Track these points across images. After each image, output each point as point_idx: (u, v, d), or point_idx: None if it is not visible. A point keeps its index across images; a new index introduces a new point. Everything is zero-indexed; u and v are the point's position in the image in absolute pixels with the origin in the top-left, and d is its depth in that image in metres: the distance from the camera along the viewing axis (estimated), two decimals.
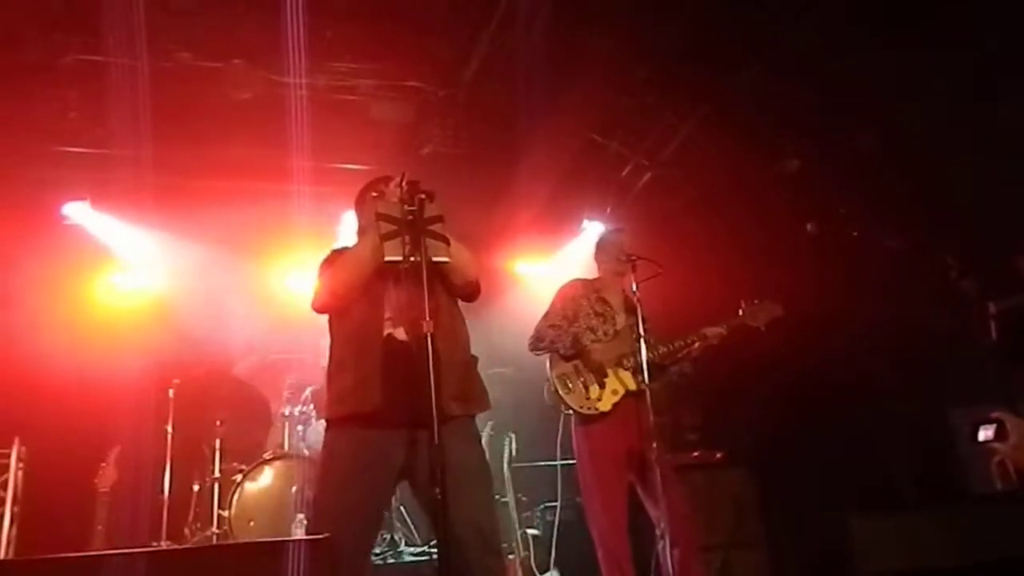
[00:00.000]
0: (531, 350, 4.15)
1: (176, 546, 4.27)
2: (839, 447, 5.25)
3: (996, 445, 3.38)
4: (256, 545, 3.84)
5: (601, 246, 4.36)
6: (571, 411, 4.02)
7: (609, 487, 3.90)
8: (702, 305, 4.48)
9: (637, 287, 3.90)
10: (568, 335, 4.04)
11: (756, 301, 4.14)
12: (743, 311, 4.13)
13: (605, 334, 4.08)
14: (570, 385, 4.00)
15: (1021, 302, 3.55)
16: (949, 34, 4.16)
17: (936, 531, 3.64)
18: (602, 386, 3.98)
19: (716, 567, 4.53)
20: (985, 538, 3.49)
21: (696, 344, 4.05)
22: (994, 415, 3.46)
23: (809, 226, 4.09)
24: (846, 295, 5.01)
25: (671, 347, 4.07)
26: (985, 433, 3.47)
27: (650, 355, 3.85)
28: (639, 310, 3.85)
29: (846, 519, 3.88)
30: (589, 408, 3.96)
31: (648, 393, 3.74)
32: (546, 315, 4.15)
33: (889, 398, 5.06)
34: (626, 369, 3.99)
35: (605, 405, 3.95)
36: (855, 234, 3.91)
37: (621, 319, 4.14)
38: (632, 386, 3.96)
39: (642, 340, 3.76)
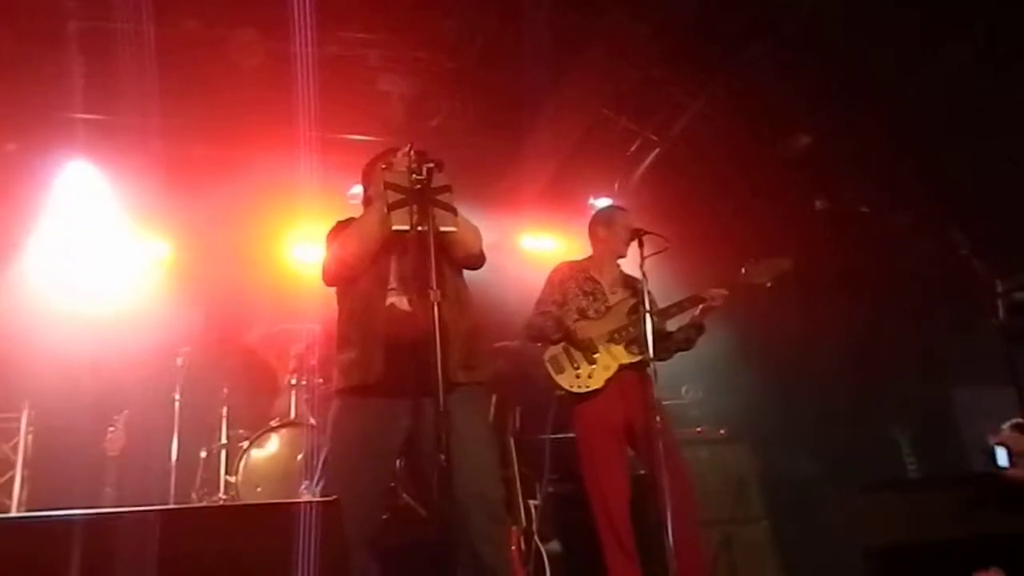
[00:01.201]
0: (526, 340, 4.16)
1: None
2: (842, 424, 5.27)
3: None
4: (266, 507, 3.89)
5: (601, 222, 4.31)
6: (564, 391, 4.00)
7: (608, 462, 3.92)
8: (710, 281, 4.45)
9: (643, 260, 3.83)
10: (552, 319, 4.03)
11: (759, 259, 4.01)
12: (746, 270, 4.01)
13: (596, 312, 4.06)
14: (561, 365, 4.00)
15: None
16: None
17: (937, 507, 3.66)
18: (592, 363, 3.97)
19: (717, 542, 4.57)
20: (985, 514, 3.51)
21: (698, 307, 3.98)
22: (996, 440, 3.45)
23: (818, 202, 4.06)
24: (853, 272, 5.00)
25: (668, 309, 4.02)
26: (1002, 456, 3.46)
27: (656, 322, 3.82)
28: (643, 284, 3.80)
29: (848, 495, 3.90)
30: (581, 387, 3.96)
31: (637, 368, 3.74)
32: (536, 303, 4.15)
33: (893, 376, 5.06)
34: (618, 343, 3.97)
35: (597, 382, 3.95)
36: (864, 210, 3.89)
37: (616, 295, 4.11)
38: (625, 359, 3.94)
39: (646, 314, 3.71)
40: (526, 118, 5.66)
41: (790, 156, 5.53)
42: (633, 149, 6.37)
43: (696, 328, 4.08)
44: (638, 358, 3.85)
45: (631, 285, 4.03)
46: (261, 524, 2.96)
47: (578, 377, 3.97)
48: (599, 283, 4.15)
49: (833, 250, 4.90)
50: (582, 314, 4.05)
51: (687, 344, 4.12)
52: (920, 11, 4.23)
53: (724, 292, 3.96)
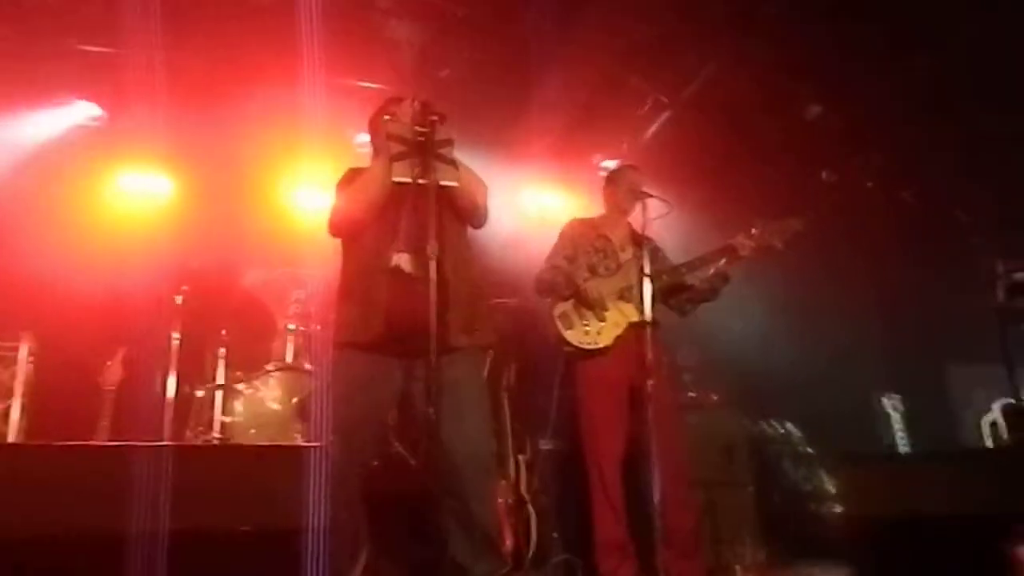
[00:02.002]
0: (537, 294, 4.15)
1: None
2: (835, 396, 5.30)
3: None
4: (260, 448, 3.96)
5: (611, 180, 4.33)
6: (572, 348, 4.02)
7: (608, 421, 3.94)
8: (717, 244, 4.44)
9: (646, 223, 3.84)
10: (562, 274, 4.03)
11: (772, 220, 3.98)
12: (757, 231, 3.97)
13: (607, 269, 4.07)
14: (571, 322, 4.01)
15: None
16: None
17: (921, 481, 3.70)
18: (602, 320, 3.99)
19: (701, 503, 4.63)
20: (969, 491, 3.55)
21: (724, 259, 3.97)
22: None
23: (824, 174, 4.03)
24: (856, 243, 4.99)
25: (693, 264, 4.02)
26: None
27: (669, 280, 3.91)
28: (644, 248, 3.80)
29: (832, 465, 3.95)
30: (590, 343, 3.97)
31: (649, 328, 3.70)
32: (547, 258, 4.16)
33: (888, 348, 5.08)
34: (628, 301, 3.98)
35: (606, 339, 3.96)
36: (869, 184, 3.86)
37: (626, 253, 4.12)
38: (635, 317, 3.92)
39: (647, 276, 3.72)
40: (536, 72, 5.57)
41: (800, 125, 5.47)
42: (644, 110, 6.29)
43: (722, 277, 4.05)
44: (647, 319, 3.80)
45: (640, 244, 3.99)
46: (253, 466, 3.04)
47: (587, 334, 3.98)
48: (610, 240, 4.15)
49: (837, 220, 4.88)
50: (592, 271, 4.06)
51: (712, 294, 4.09)
52: None
53: (752, 244, 3.93)
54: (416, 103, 2.80)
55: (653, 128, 6.33)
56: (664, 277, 3.99)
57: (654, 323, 3.76)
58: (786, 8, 4.83)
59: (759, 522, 4.62)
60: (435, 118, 2.72)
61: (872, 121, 4.97)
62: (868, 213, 4.65)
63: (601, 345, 3.97)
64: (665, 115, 6.19)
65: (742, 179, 5.59)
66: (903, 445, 5.04)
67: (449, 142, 2.77)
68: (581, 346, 3.99)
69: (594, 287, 3.99)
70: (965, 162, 4.35)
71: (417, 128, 2.73)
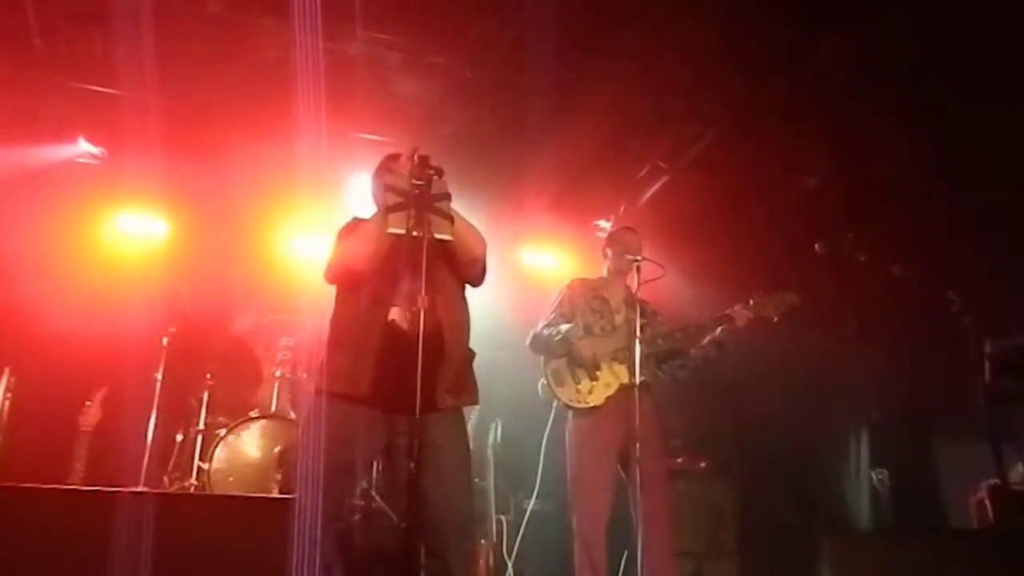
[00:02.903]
0: (531, 349, 4.18)
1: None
2: (823, 469, 5.26)
3: None
4: (234, 499, 3.88)
5: (609, 242, 4.40)
6: (563, 405, 4.04)
7: (595, 482, 3.91)
8: (710, 311, 4.48)
9: (639, 287, 3.94)
10: (558, 332, 4.05)
11: (768, 292, 4.08)
12: (754, 302, 4.05)
13: (602, 329, 4.11)
14: (563, 379, 4.04)
15: (1018, 343, 3.54)
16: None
17: (909, 559, 3.64)
18: (594, 379, 4.00)
19: (688, 573, 4.55)
20: (957, 571, 3.49)
21: (720, 327, 4.04)
22: None
23: (817, 246, 4.07)
24: (847, 317, 5.00)
25: (689, 331, 4.07)
26: None
27: (664, 345, 3.98)
28: (638, 308, 3.88)
29: (821, 539, 3.88)
30: (580, 402, 3.99)
31: (638, 391, 3.75)
32: (544, 315, 4.21)
33: (877, 427, 5.06)
34: (621, 363, 3.99)
35: (597, 399, 3.98)
36: (862, 259, 3.90)
37: (621, 315, 4.16)
38: (626, 379, 3.94)
39: (637, 339, 3.80)
40: (538, 133, 5.65)
41: (796, 196, 5.54)
42: (642, 174, 6.37)
43: (716, 345, 4.09)
44: (641, 378, 3.86)
45: (635, 306, 4.03)
46: (227, 516, 2.97)
47: (578, 392, 4.01)
48: (607, 301, 4.21)
49: (830, 293, 4.90)
50: (588, 330, 4.09)
51: (706, 362, 4.14)
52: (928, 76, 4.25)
53: (749, 314, 4.01)
54: (415, 156, 2.82)
55: (650, 192, 6.39)
56: (659, 342, 4.04)
57: (645, 386, 3.82)
58: (788, 88, 4.93)
59: None
60: (432, 172, 2.74)
61: (868, 195, 5.04)
62: (860, 286, 4.68)
63: (591, 404, 3.98)
64: (663, 180, 6.26)
65: (737, 245, 5.62)
66: (889, 520, 4.99)
67: (446, 196, 2.78)
68: (571, 404, 4.01)
69: (588, 346, 4.01)
70: (959, 238, 4.40)
71: (414, 181, 2.74)
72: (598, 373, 4.00)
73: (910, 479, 5.02)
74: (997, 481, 3.60)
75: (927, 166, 4.69)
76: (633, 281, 4.01)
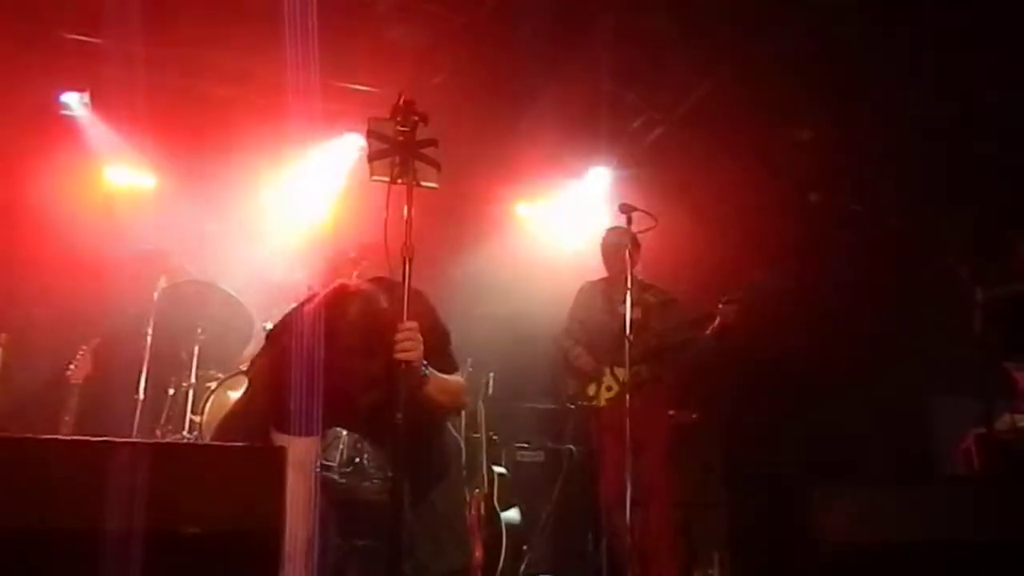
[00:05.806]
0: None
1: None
2: (815, 421, 5.28)
3: None
4: (227, 448, 3.88)
5: (603, 244, 4.69)
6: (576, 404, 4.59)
7: (612, 466, 4.18)
8: (706, 262, 4.58)
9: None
10: (580, 347, 4.55)
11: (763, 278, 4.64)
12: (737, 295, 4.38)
13: (611, 331, 4.33)
14: (573, 383, 4.58)
15: (1010, 292, 3.51)
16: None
17: (898, 509, 3.67)
18: (599, 384, 4.47)
19: (676, 522, 4.60)
20: (945, 519, 3.52)
21: (712, 325, 4.37)
22: None
23: (812, 196, 4.05)
24: (841, 269, 4.98)
25: (681, 329, 4.49)
26: None
27: (657, 342, 4.42)
28: (650, 295, 4.37)
29: (809, 490, 3.90)
30: (588, 403, 4.51)
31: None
32: (567, 316, 4.70)
33: (870, 378, 5.06)
34: (620, 365, 4.21)
35: (601, 400, 4.45)
36: (855, 208, 3.87)
37: (625, 312, 4.28)
38: (626, 379, 4.18)
39: (628, 338, 4.06)
40: (532, 82, 5.56)
41: (793, 147, 5.48)
42: (636, 124, 6.29)
43: (715, 338, 4.42)
44: (647, 373, 4.37)
45: (637, 301, 4.33)
46: (220, 465, 2.97)
47: (587, 395, 4.52)
48: (612, 300, 4.47)
49: (822, 243, 4.88)
50: (601, 328, 4.49)
51: (706, 353, 4.50)
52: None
53: (736, 308, 4.32)
54: (402, 101, 2.74)
55: (646, 143, 6.32)
56: (654, 341, 4.45)
57: (645, 381, 4.28)
58: (783, 39, 4.85)
59: (732, 544, 4.61)
60: (417, 118, 2.67)
61: (862, 145, 4.98)
62: (853, 235, 4.66)
63: (599, 404, 4.46)
64: (658, 130, 6.19)
65: (731, 195, 5.57)
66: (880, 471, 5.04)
67: (433, 142, 2.71)
68: (583, 404, 4.53)
69: (588, 362, 4.49)
70: (952, 187, 4.36)
71: (399, 127, 2.67)
72: (602, 378, 4.48)
73: (903, 427, 5.05)
74: (983, 430, 3.61)
75: (921, 116, 4.63)
76: (632, 267, 4.22)
